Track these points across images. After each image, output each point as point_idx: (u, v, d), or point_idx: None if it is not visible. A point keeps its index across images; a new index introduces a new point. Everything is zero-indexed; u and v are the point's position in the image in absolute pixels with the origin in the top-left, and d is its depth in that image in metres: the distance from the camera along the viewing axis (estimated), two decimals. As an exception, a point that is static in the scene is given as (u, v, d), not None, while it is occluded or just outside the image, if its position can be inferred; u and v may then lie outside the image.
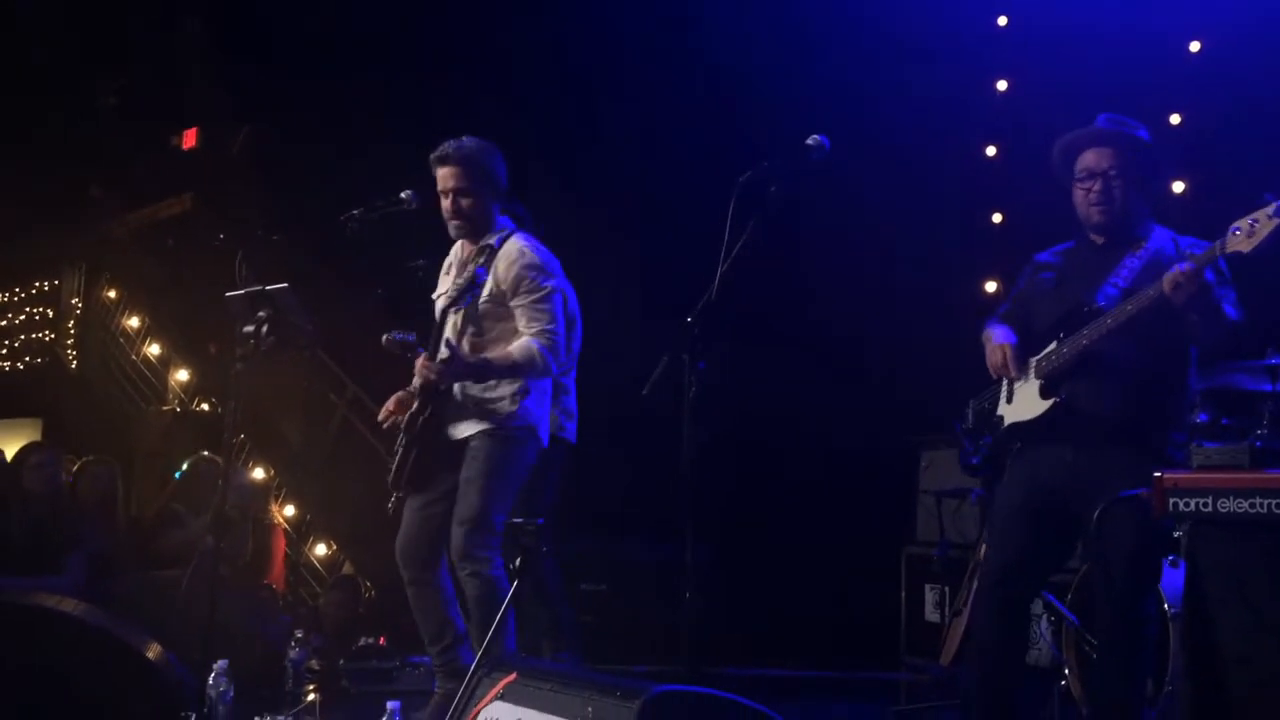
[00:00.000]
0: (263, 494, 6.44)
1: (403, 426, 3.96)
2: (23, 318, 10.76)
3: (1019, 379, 3.55)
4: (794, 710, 2.66)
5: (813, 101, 6.35)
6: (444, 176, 3.99)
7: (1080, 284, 3.49)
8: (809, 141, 3.39)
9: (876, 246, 6.58)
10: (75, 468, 6.03)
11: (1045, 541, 3.48)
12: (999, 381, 3.67)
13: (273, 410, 8.32)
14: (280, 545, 6.28)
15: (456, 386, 3.95)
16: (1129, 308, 3.27)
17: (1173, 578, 4.17)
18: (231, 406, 3.80)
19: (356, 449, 8.05)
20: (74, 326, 10.31)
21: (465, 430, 3.93)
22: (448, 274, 4.18)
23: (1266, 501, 2.57)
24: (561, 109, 7.52)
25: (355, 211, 4.02)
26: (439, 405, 3.92)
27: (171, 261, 9.86)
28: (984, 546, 4.68)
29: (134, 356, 9.57)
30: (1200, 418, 4.43)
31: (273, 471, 8.04)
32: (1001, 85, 6.78)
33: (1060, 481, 3.42)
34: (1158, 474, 2.80)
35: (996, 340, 3.57)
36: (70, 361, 10.28)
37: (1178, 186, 6.11)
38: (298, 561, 7.48)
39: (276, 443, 8.33)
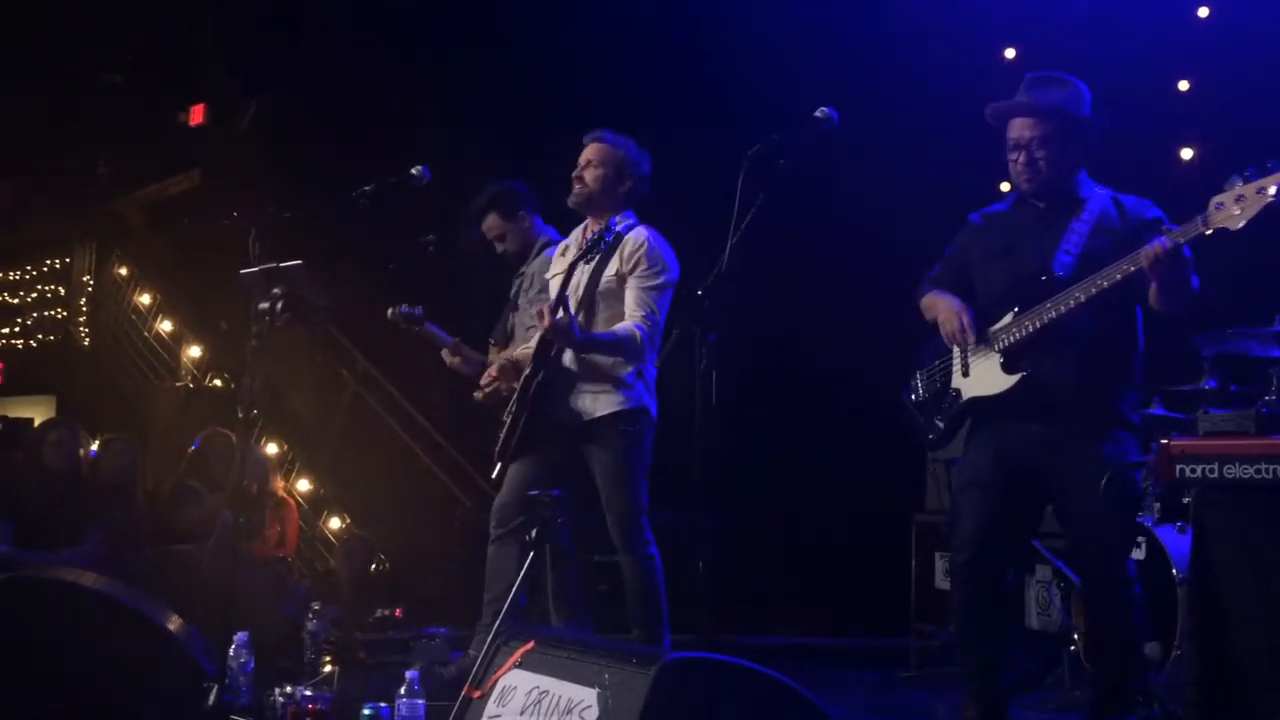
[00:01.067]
0: (274, 468, 6.49)
1: (517, 390, 4.09)
2: (35, 295, 10.82)
3: (975, 350, 3.53)
4: (804, 676, 2.70)
5: (821, 73, 6.33)
6: (584, 152, 4.21)
7: (1029, 251, 3.46)
8: (817, 114, 3.40)
9: (886, 217, 6.57)
10: (98, 444, 6.09)
11: (1016, 513, 3.49)
12: (948, 351, 3.65)
13: (284, 385, 8.38)
14: (293, 518, 6.34)
15: (572, 358, 4.06)
16: (1102, 282, 3.24)
17: (1180, 543, 4.21)
18: (247, 383, 3.84)
19: (368, 423, 8.11)
20: (86, 304, 10.36)
21: (592, 410, 4.04)
22: (563, 255, 4.31)
23: (1272, 467, 2.60)
24: (569, 81, 7.51)
25: (366, 188, 4.03)
26: (551, 373, 4.04)
27: (182, 238, 9.89)
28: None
29: (146, 333, 9.62)
30: (1209, 384, 4.45)
31: (286, 446, 8.10)
32: (1010, 53, 6.76)
33: (1028, 453, 3.43)
34: (1164, 440, 2.83)
35: (952, 307, 3.54)
36: (83, 339, 10.34)
37: (1186, 153, 6.10)
38: (313, 535, 7.56)
39: (289, 418, 8.39)
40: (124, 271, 10.02)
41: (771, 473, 6.78)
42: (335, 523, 7.79)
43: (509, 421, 4.10)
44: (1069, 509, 3.50)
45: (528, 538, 3.16)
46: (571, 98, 7.28)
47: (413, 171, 4.05)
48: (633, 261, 4.05)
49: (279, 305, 3.68)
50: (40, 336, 10.67)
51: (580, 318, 4.04)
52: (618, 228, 4.13)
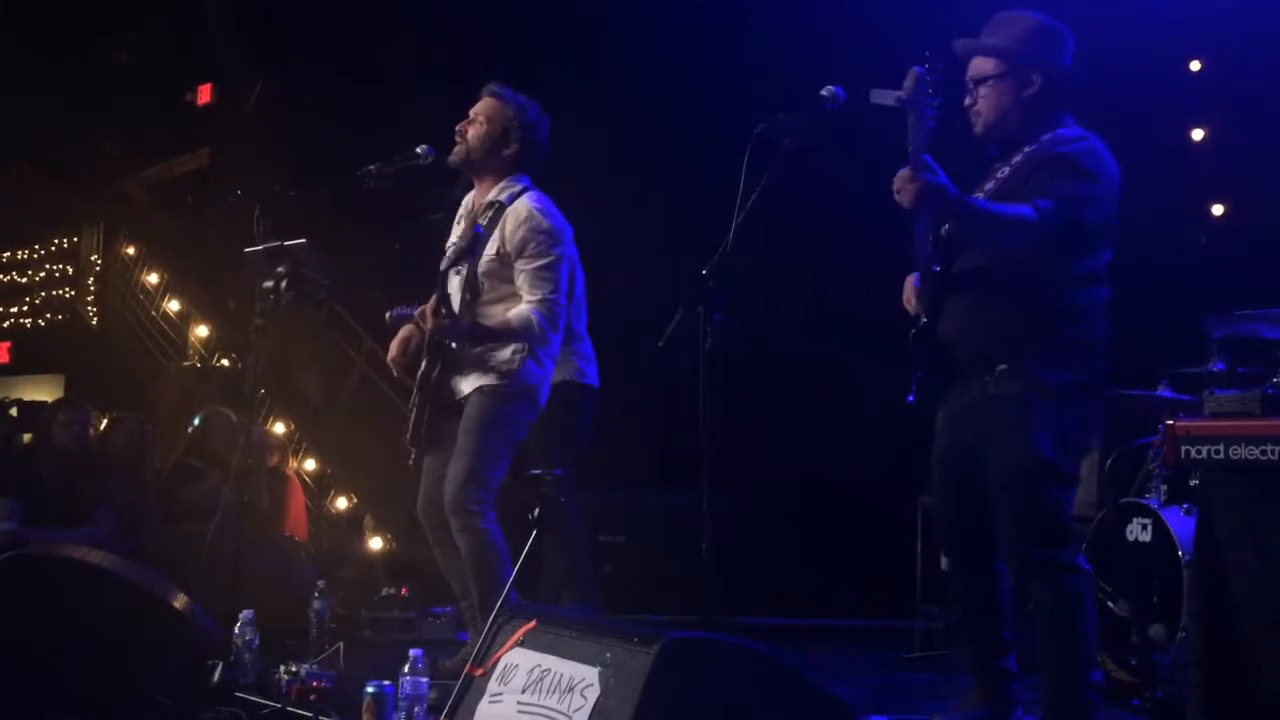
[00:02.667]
0: (277, 446, 6.50)
1: (416, 384, 3.92)
2: (43, 275, 10.85)
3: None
4: (809, 657, 2.70)
5: (829, 51, 6.29)
6: (478, 104, 3.97)
7: None
8: (823, 93, 3.37)
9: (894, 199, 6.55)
10: (104, 422, 6.10)
11: (974, 491, 3.22)
12: None
13: (291, 365, 8.38)
14: (298, 496, 6.35)
15: (463, 346, 3.89)
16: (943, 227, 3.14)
17: (1187, 525, 4.21)
18: (253, 362, 3.85)
19: (375, 403, 8.11)
20: (94, 283, 10.38)
21: (466, 387, 3.89)
22: (459, 224, 4.12)
23: (1278, 448, 2.59)
24: (575, 62, 7.48)
25: (372, 166, 4.02)
26: (447, 362, 3.87)
27: (190, 217, 9.90)
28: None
29: (154, 313, 9.63)
30: (1217, 366, 4.43)
31: (292, 426, 8.11)
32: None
33: (958, 422, 3.25)
34: (1170, 421, 2.82)
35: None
36: (91, 318, 10.36)
37: (1197, 134, 6.06)
38: (320, 515, 7.57)
39: (295, 397, 8.40)
40: (132, 251, 10.03)
41: (777, 454, 6.77)
42: (342, 502, 7.81)
43: (414, 411, 3.91)
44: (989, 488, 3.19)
45: (529, 517, 3.14)
46: (584, 76, 7.25)
47: (418, 150, 4.02)
48: (517, 240, 3.80)
49: (283, 284, 3.69)
50: (48, 316, 10.70)
51: (468, 297, 3.86)
52: (500, 197, 3.90)
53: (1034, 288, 3.13)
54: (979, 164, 3.38)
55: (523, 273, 3.82)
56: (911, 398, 3.31)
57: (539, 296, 3.80)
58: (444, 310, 3.76)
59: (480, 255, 3.86)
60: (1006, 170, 3.24)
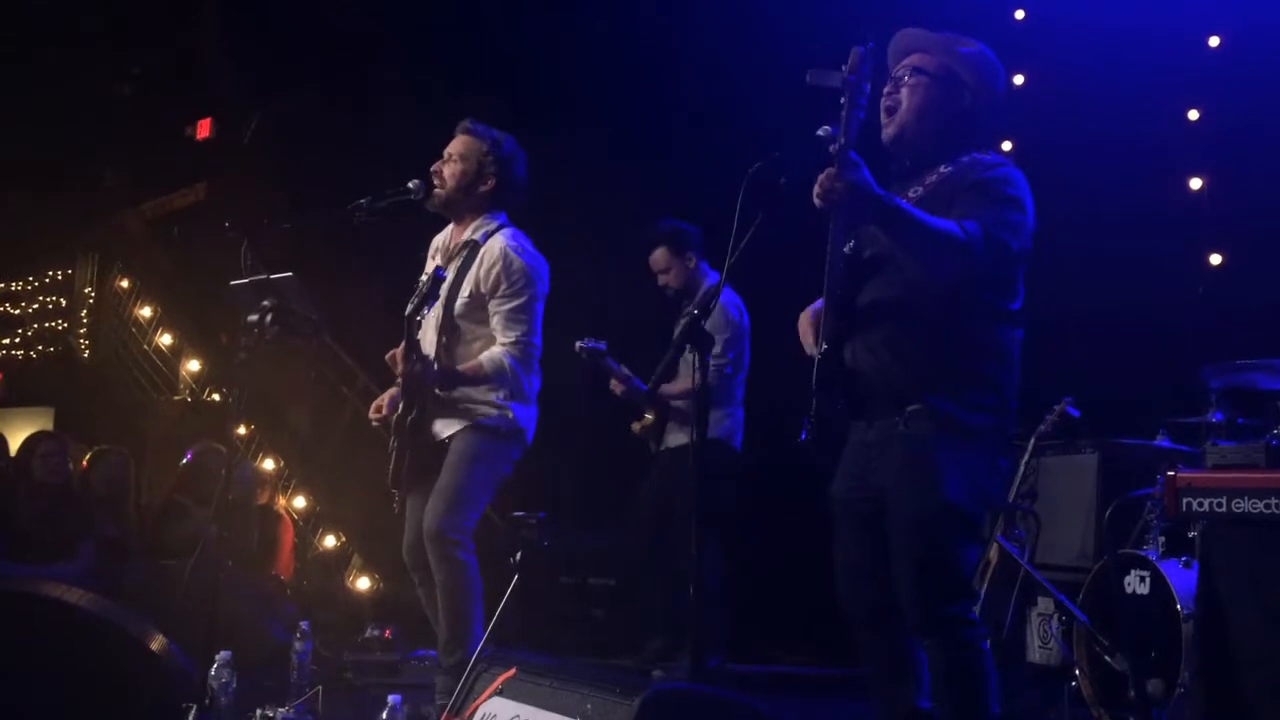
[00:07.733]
0: (268, 484, 6.41)
1: (392, 428, 3.88)
2: (36, 306, 10.79)
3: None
4: (796, 706, 2.62)
5: (827, 93, 6.29)
6: (452, 143, 3.96)
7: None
8: (819, 133, 3.31)
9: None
10: (87, 456, 6.02)
11: (880, 540, 2.89)
12: None
13: (283, 401, 8.32)
14: (289, 536, 6.26)
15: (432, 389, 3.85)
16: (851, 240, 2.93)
17: (1185, 578, 4.13)
18: (236, 396, 3.79)
19: (368, 441, 8.01)
20: (86, 316, 10.33)
21: (449, 429, 3.85)
22: (433, 258, 4.10)
23: (1282, 501, 2.52)
24: (567, 96, 7.48)
25: (363, 201, 3.98)
26: (424, 405, 3.83)
27: (184, 251, 9.87)
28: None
29: (145, 346, 9.58)
30: (1215, 416, 4.38)
31: (282, 462, 8.03)
32: (1018, 80, 6.71)
33: (862, 463, 2.96)
34: (1171, 472, 2.75)
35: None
36: (83, 351, 10.30)
37: (1195, 183, 6.04)
38: (306, 552, 7.47)
39: (287, 433, 8.32)
40: (125, 284, 9.99)
41: (769, 498, 6.69)
42: (330, 540, 7.72)
43: (394, 455, 3.86)
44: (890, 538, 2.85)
45: (511, 561, 3.06)
46: (576, 110, 7.25)
47: (410, 185, 3.99)
48: (491, 280, 3.79)
49: (268, 318, 3.63)
50: (40, 348, 10.63)
51: (443, 340, 3.84)
52: (475, 235, 3.89)
53: (953, 321, 2.87)
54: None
55: (497, 314, 3.80)
56: (804, 435, 2.99)
57: (512, 338, 3.78)
58: (414, 355, 3.70)
59: (452, 297, 3.84)
60: (922, 190, 2.98)
